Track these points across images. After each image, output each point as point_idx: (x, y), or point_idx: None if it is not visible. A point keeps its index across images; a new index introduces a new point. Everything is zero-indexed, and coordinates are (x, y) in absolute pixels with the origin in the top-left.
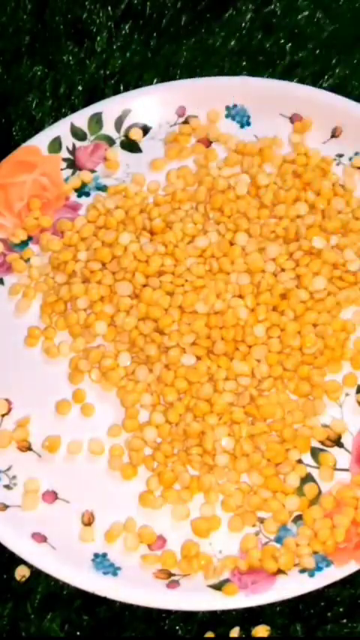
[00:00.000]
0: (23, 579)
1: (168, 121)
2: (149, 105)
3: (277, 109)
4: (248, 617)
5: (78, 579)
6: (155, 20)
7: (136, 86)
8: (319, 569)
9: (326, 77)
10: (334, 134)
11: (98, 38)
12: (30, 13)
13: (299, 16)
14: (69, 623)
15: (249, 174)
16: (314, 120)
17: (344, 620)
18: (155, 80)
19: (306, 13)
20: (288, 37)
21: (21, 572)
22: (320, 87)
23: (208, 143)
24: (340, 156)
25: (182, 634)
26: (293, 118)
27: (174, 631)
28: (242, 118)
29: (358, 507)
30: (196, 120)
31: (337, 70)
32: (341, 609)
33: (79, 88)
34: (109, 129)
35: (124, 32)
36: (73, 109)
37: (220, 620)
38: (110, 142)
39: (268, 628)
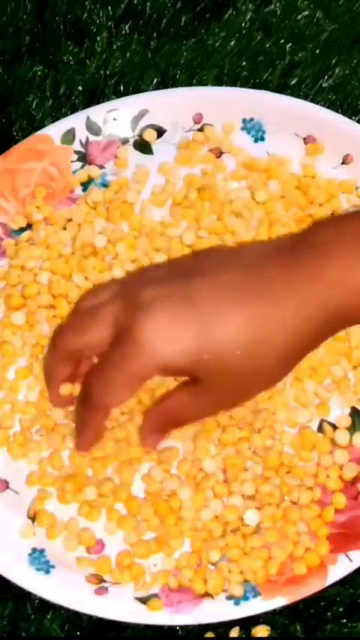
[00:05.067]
0: None
1: (184, 126)
2: (167, 107)
3: (292, 127)
4: (248, 617)
5: (10, 572)
6: (155, 20)
7: (136, 86)
8: (245, 598)
9: (326, 77)
10: (345, 161)
11: (98, 38)
12: (30, 13)
13: (299, 17)
14: (69, 623)
15: (251, 191)
16: (327, 144)
17: (344, 620)
18: (155, 80)
19: (306, 13)
20: (288, 38)
21: None
22: (320, 87)
23: (219, 153)
24: None
25: (182, 634)
26: (307, 139)
27: (174, 631)
28: (257, 133)
29: (298, 542)
30: (211, 128)
31: (336, 71)
32: (341, 609)
33: (79, 88)
34: (124, 127)
35: (124, 32)
36: (74, 109)
37: None
38: (124, 140)
39: (268, 628)
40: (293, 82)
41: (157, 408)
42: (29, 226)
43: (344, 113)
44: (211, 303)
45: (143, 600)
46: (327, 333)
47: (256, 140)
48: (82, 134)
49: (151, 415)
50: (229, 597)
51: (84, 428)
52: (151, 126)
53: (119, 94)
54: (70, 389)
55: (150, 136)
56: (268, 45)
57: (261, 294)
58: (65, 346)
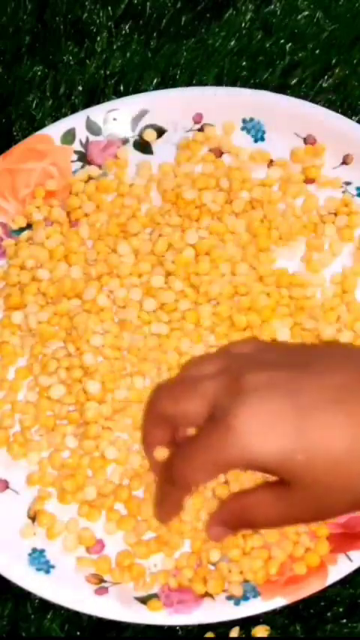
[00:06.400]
0: None
1: (184, 126)
2: (167, 107)
3: (292, 127)
4: (248, 617)
5: (10, 572)
6: (155, 20)
7: (136, 86)
8: (245, 598)
9: (326, 77)
10: (345, 161)
11: (98, 38)
12: (30, 13)
13: (299, 17)
14: (69, 623)
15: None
16: (327, 144)
17: (344, 620)
18: (155, 80)
19: (306, 13)
20: (288, 38)
21: None
22: (320, 87)
23: (219, 153)
24: (348, 184)
25: (182, 634)
26: (307, 139)
27: (174, 631)
28: (257, 133)
29: (298, 542)
30: (211, 128)
31: (336, 70)
32: (341, 609)
33: (79, 88)
34: (124, 127)
35: (124, 32)
36: (74, 109)
37: None
38: (124, 140)
39: (267, 628)
40: (293, 82)
41: (232, 505)
42: (29, 226)
43: (344, 113)
44: (314, 402)
45: (143, 600)
46: None
47: (256, 140)
48: (82, 134)
49: (223, 510)
50: (229, 597)
51: (163, 501)
52: (151, 126)
53: (119, 94)
54: (164, 453)
55: (150, 136)
56: (268, 45)
57: None
58: (159, 410)
